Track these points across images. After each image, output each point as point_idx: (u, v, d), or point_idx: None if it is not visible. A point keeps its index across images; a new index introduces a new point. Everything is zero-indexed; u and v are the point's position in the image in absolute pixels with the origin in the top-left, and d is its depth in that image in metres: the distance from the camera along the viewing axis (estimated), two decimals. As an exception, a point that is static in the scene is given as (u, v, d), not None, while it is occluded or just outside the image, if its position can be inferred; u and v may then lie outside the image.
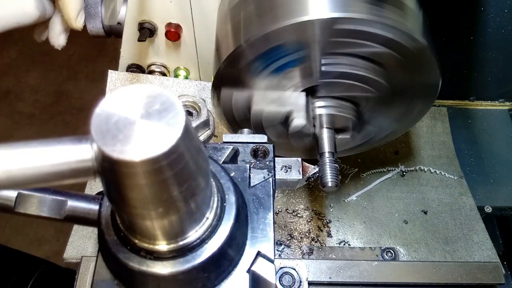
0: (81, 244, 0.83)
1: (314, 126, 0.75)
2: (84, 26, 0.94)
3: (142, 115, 0.32)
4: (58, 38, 0.73)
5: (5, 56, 2.77)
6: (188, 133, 0.32)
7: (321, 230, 0.89)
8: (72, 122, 2.60)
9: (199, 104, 0.52)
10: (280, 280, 0.67)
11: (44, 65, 2.76)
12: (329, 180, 0.70)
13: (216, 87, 0.73)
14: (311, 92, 0.73)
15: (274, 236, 0.48)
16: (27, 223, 2.29)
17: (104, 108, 0.32)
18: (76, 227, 0.84)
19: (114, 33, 0.99)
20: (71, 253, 0.82)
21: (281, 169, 0.62)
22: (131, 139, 0.30)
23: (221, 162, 0.54)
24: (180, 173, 0.33)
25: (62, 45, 0.73)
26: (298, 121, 0.75)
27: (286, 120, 0.77)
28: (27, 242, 2.25)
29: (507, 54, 1.04)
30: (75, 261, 0.79)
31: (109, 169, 0.31)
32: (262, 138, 0.61)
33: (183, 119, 0.32)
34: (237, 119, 0.79)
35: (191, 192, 0.36)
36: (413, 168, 1.00)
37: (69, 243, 0.83)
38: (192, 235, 0.40)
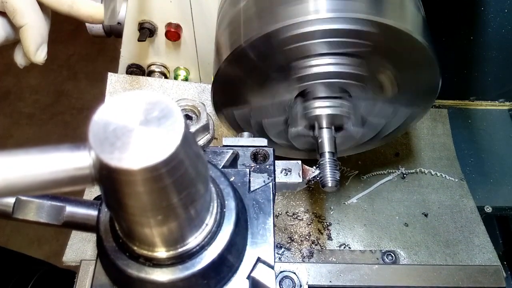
0: (81, 247, 0.82)
1: (313, 127, 0.75)
2: (84, 26, 0.94)
3: (141, 122, 0.31)
4: (21, 60, 0.71)
5: (5, 56, 2.75)
6: (187, 140, 0.32)
7: (322, 233, 0.88)
8: (72, 122, 2.59)
9: (199, 108, 0.51)
10: (280, 284, 0.67)
11: (44, 65, 2.74)
12: (329, 180, 0.70)
13: (216, 88, 0.73)
14: (310, 93, 0.73)
15: (274, 242, 0.48)
16: (27, 223, 2.29)
17: (102, 115, 0.31)
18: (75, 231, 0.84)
19: (114, 33, 0.99)
20: (70, 256, 0.82)
21: (281, 172, 0.62)
22: (129, 146, 0.30)
23: (221, 167, 0.53)
24: (180, 180, 0.33)
25: (25, 64, 0.72)
26: (294, 128, 0.76)
27: (286, 122, 0.77)
28: (27, 242, 2.25)
29: (507, 54, 1.03)
30: (74, 264, 0.79)
31: (107, 177, 0.31)
32: (262, 141, 0.60)
33: (182, 126, 0.31)
34: (237, 119, 0.79)
35: (190, 198, 0.36)
36: (413, 171, 1.00)
37: (69, 246, 0.82)
38: (192, 242, 0.40)
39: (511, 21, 0.96)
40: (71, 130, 2.55)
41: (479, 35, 0.99)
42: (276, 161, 0.59)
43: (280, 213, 0.90)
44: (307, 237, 0.87)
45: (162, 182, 0.32)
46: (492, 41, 1.00)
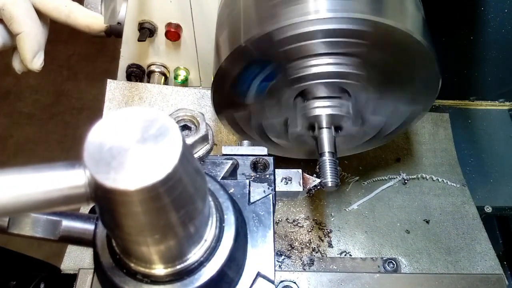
0: (79, 255, 0.82)
1: (313, 127, 0.74)
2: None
3: (137, 140, 0.30)
4: (18, 66, 0.71)
5: (5, 56, 2.75)
6: (185, 158, 0.31)
7: (322, 240, 0.87)
8: (72, 122, 2.58)
9: (198, 118, 0.51)
10: (280, 294, 0.66)
11: (44, 65, 2.74)
12: (329, 180, 0.69)
13: (216, 88, 0.73)
14: (310, 93, 0.72)
15: (274, 256, 0.47)
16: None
17: (98, 134, 0.30)
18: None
19: (114, 33, 0.98)
20: (68, 264, 0.81)
21: (281, 181, 0.61)
22: (125, 166, 0.29)
23: (220, 177, 0.53)
24: (178, 199, 0.32)
25: (22, 70, 0.72)
26: (293, 128, 0.75)
27: (285, 124, 0.77)
28: (27, 242, 2.22)
29: (507, 54, 1.03)
30: (72, 273, 0.78)
31: (102, 196, 0.30)
32: (262, 150, 0.60)
33: (180, 143, 0.31)
34: (237, 119, 0.79)
35: (189, 216, 0.35)
36: (415, 176, 0.99)
37: (67, 254, 0.82)
38: (190, 258, 0.39)
39: (511, 21, 0.96)
40: (71, 130, 2.54)
41: (479, 35, 0.99)
42: (276, 170, 0.59)
43: (280, 220, 0.89)
44: (307, 244, 0.86)
45: (159, 201, 0.31)
46: (492, 41, 1.00)
